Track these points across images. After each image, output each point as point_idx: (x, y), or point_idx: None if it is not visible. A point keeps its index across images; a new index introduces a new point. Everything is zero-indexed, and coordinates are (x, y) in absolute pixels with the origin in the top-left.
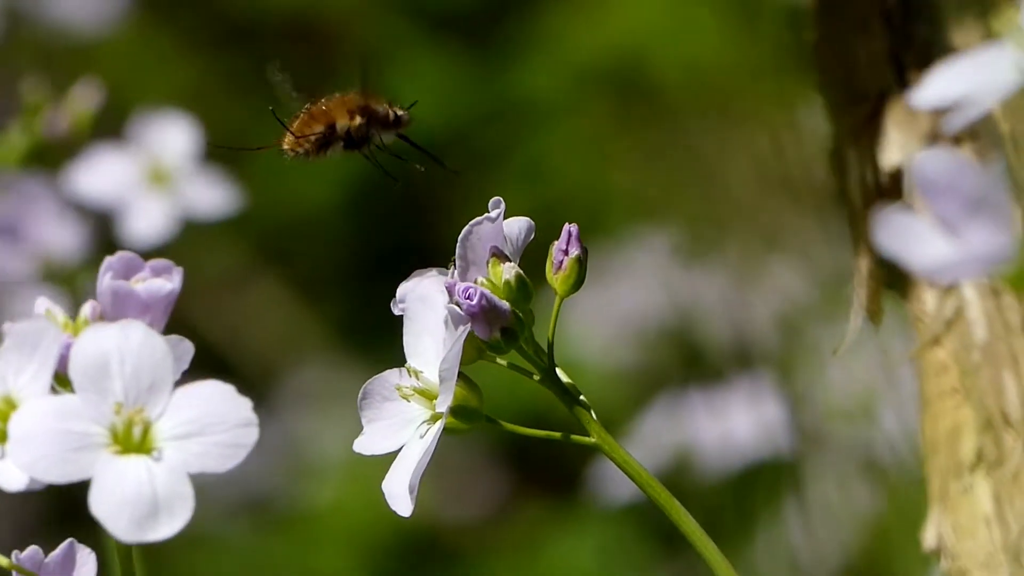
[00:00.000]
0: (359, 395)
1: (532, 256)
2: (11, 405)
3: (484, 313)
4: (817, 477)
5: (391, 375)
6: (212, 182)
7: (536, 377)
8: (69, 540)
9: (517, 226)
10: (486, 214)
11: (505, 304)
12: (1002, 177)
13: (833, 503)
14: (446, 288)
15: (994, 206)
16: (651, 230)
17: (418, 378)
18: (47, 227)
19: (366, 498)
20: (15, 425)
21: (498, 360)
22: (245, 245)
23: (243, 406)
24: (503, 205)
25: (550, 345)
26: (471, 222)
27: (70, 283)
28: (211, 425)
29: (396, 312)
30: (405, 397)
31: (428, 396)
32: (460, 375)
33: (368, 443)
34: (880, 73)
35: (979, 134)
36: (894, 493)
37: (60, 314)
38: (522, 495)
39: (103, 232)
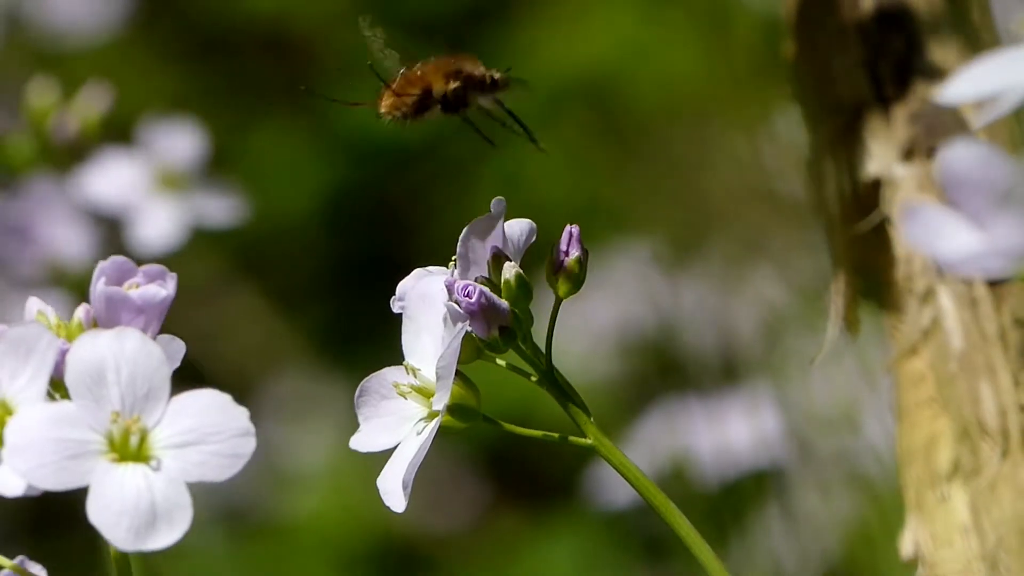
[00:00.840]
0: (356, 392)
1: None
2: (7, 410)
3: (483, 311)
4: (799, 485)
5: (389, 372)
6: (219, 189)
7: (534, 378)
8: (20, 557)
9: (519, 227)
10: (488, 213)
11: (504, 303)
12: None
13: (815, 510)
14: (446, 286)
15: (1022, 199)
16: (630, 240)
17: (416, 376)
18: (56, 231)
19: (345, 508)
20: (12, 432)
21: (496, 360)
22: (222, 255)
23: (241, 416)
24: (504, 204)
25: (548, 346)
26: (472, 221)
27: (79, 287)
28: (210, 435)
29: (395, 310)
30: (402, 394)
31: (425, 394)
32: (458, 374)
33: (364, 440)
34: (857, 85)
35: (996, 131)
36: (876, 501)
37: (52, 316)
38: (501, 504)
39: (112, 236)
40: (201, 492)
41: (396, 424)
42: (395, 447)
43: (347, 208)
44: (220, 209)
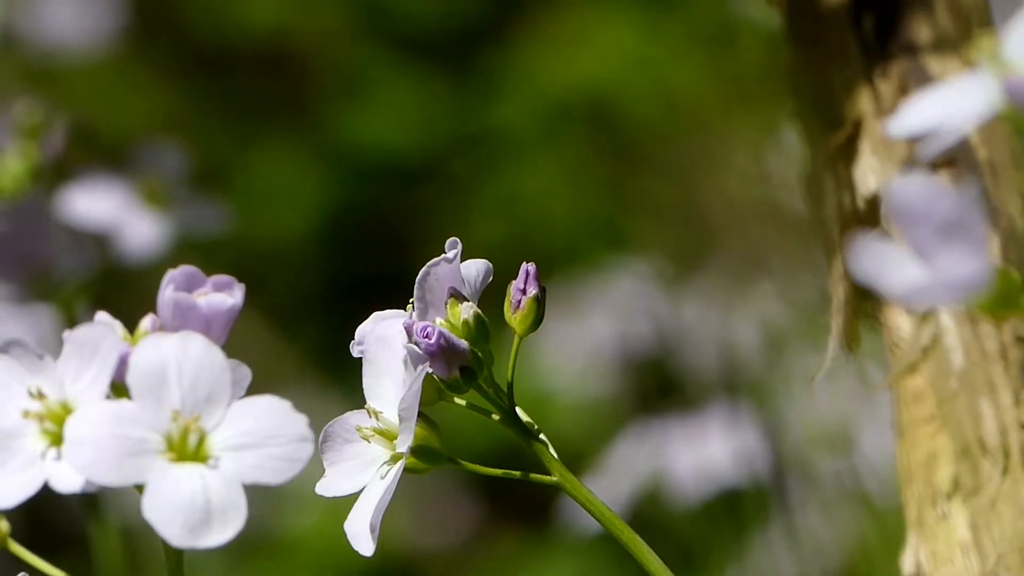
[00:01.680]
0: (320, 438)
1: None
2: (67, 410)
3: (443, 352)
4: (799, 503)
5: (351, 417)
6: (205, 201)
7: (496, 417)
8: (22, 574)
9: (475, 268)
10: (443, 255)
11: (463, 343)
12: (977, 203)
13: (816, 528)
14: (404, 328)
15: (968, 232)
16: (630, 258)
17: (378, 419)
18: (44, 248)
19: (342, 526)
20: (72, 428)
21: (457, 400)
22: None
23: (300, 422)
24: (460, 246)
25: (510, 385)
26: (428, 263)
27: (66, 304)
28: (268, 438)
29: (355, 354)
30: (365, 438)
31: (388, 436)
32: (420, 415)
33: (330, 485)
34: (856, 99)
35: (956, 161)
36: (876, 518)
37: (119, 327)
38: (496, 524)
39: (101, 253)
40: None
41: (360, 468)
42: (360, 491)
43: (344, 227)
44: (206, 220)
